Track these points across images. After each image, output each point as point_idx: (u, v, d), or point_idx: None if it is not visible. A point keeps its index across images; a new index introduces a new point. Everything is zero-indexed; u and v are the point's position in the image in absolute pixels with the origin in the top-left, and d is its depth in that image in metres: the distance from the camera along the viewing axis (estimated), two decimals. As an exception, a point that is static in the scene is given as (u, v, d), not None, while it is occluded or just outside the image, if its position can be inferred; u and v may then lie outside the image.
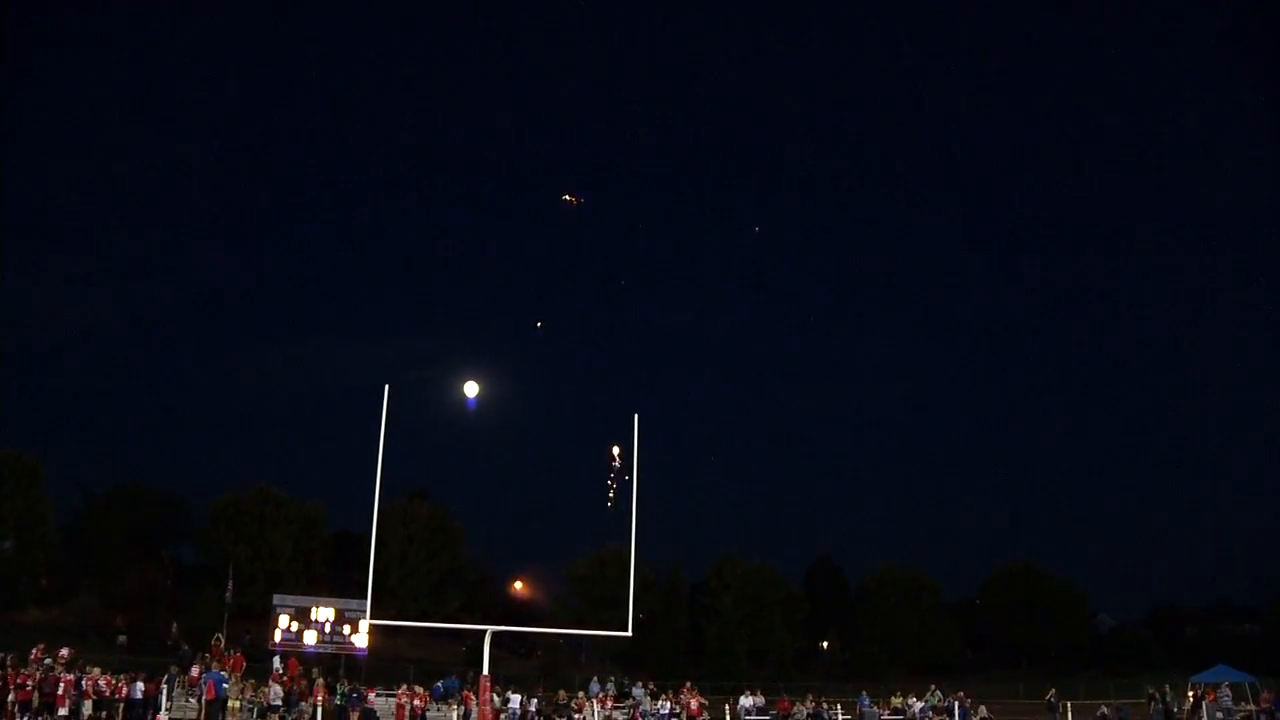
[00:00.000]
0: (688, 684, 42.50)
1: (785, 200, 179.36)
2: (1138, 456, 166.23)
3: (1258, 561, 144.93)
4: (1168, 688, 46.99)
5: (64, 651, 33.11)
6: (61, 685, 30.34)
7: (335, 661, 46.08)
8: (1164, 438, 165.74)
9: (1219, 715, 43.90)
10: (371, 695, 36.41)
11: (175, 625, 54.29)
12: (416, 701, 36.33)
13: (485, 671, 25.20)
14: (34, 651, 32.59)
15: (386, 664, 52.20)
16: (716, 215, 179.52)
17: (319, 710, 33.88)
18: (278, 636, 43.23)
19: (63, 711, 29.91)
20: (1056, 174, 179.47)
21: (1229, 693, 46.16)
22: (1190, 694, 47.55)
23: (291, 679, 36.01)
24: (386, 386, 23.21)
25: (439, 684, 40.18)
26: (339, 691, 35.67)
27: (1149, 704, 45.35)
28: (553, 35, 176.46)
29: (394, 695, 37.15)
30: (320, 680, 35.70)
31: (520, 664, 65.80)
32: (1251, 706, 46.90)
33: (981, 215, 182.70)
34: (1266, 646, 74.79)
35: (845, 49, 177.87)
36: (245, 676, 35.33)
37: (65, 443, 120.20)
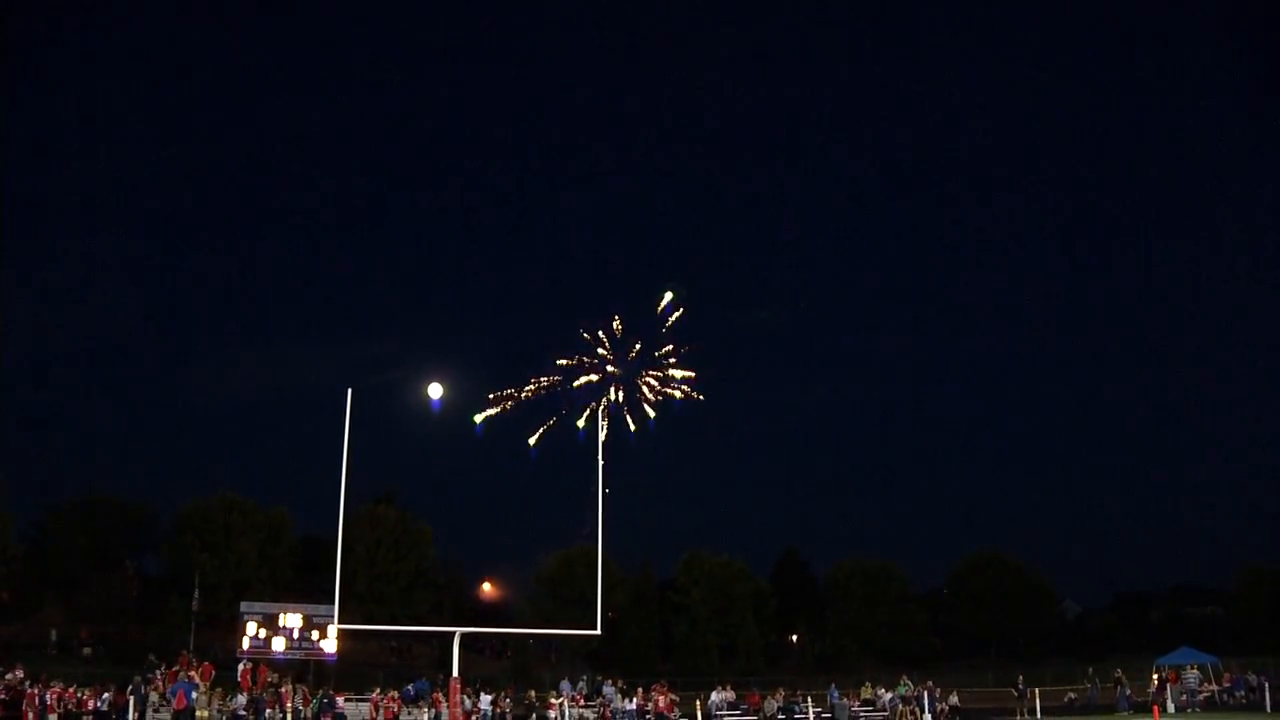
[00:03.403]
0: (660, 682, 42.55)
1: (754, 193, 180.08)
2: (1098, 446, 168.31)
3: (1218, 544, 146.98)
4: (1119, 671, 47.70)
5: (19, 672, 32.72)
6: (25, 700, 30.07)
7: (305, 667, 45.78)
8: (1123, 427, 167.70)
9: (1183, 697, 44.56)
10: (341, 700, 36.21)
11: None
12: (392, 706, 36.16)
13: (455, 673, 25.11)
14: None
15: (356, 669, 51.94)
16: (680, 208, 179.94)
17: (289, 717, 33.70)
18: (245, 644, 42.85)
19: (27, 726, 29.66)
20: (1032, 169, 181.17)
21: (1195, 674, 46.90)
22: (1155, 676, 48.18)
23: (264, 688, 35.75)
24: (350, 390, 23.07)
25: (409, 687, 40.01)
26: (316, 699, 35.43)
27: (1115, 688, 45.89)
28: (516, 44, 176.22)
29: (365, 700, 36.97)
30: (287, 687, 35.41)
31: (491, 665, 65.62)
32: (1214, 686, 47.62)
33: (930, 213, 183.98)
34: (1228, 628, 75.96)
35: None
36: (215, 685, 35.01)
37: (24, 456, 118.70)
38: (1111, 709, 44.91)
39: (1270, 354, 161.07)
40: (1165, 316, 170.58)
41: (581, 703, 40.39)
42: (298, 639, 43.60)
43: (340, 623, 37.45)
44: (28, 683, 31.59)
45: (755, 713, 42.60)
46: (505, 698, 38.85)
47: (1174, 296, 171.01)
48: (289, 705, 33.97)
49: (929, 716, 42.26)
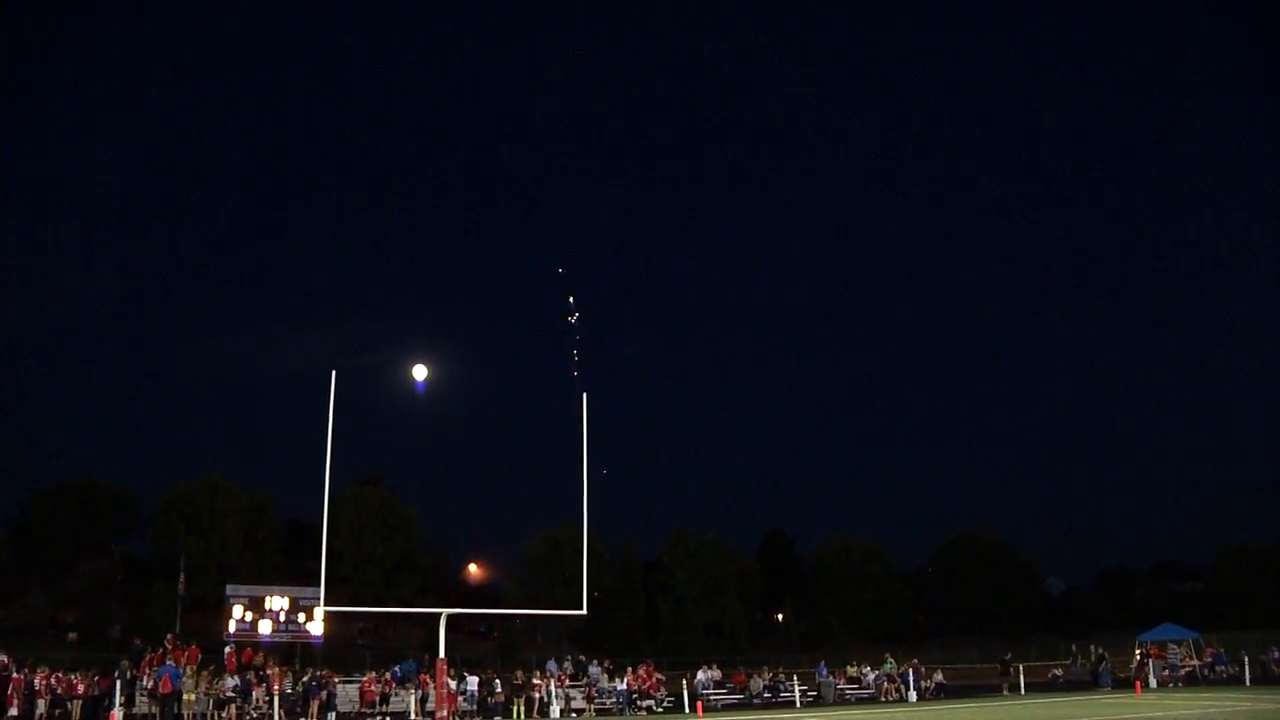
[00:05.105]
0: (646, 662, 42.69)
1: (749, 175, 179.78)
2: (1082, 424, 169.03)
3: (1200, 522, 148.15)
4: (1094, 647, 48.37)
5: (2, 657, 32.60)
6: (11, 684, 30.01)
7: (291, 650, 45.79)
8: (1106, 406, 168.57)
9: (1165, 672, 44.96)
10: (336, 680, 36.26)
11: (118, 626, 53.46)
12: (385, 688, 36.26)
13: (441, 654, 25.16)
14: None
15: (342, 651, 51.96)
16: (660, 187, 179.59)
17: (275, 700, 33.67)
18: (231, 627, 42.80)
19: (14, 711, 29.58)
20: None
21: (1176, 649, 47.38)
22: (1137, 652, 48.68)
23: (250, 670, 35.74)
24: (334, 372, 22.97)
25: (396, 668, 40.06)
26: (305, 681, 35.40)
27: (1098, 663, 46.24)
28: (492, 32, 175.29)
29: (355, 682, 37.02)
30: (275, 671, 35.38)
31: (477, 645, 65.76)
32: (1195, 661, 48.08)
33: (924, 197, 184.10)
34: (1210, 603, 76.67)
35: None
36: (201, 667, 34.91)
37: (8, 440, 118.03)
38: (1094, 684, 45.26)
39: (1251, 335, 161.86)
40: (1149, 300, 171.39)
41: (567, 683, 40.51)
42: (284, 621, 43.56)
43: (326, 605, 37.37)
44: (13, 668, 31.48)
45: (741, 692, 42.84)
46: (494, 679, 38.93)
47: (1158, 280, 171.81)
48: (276, 689, 33.93)
49: (914, 694, 42.55)
